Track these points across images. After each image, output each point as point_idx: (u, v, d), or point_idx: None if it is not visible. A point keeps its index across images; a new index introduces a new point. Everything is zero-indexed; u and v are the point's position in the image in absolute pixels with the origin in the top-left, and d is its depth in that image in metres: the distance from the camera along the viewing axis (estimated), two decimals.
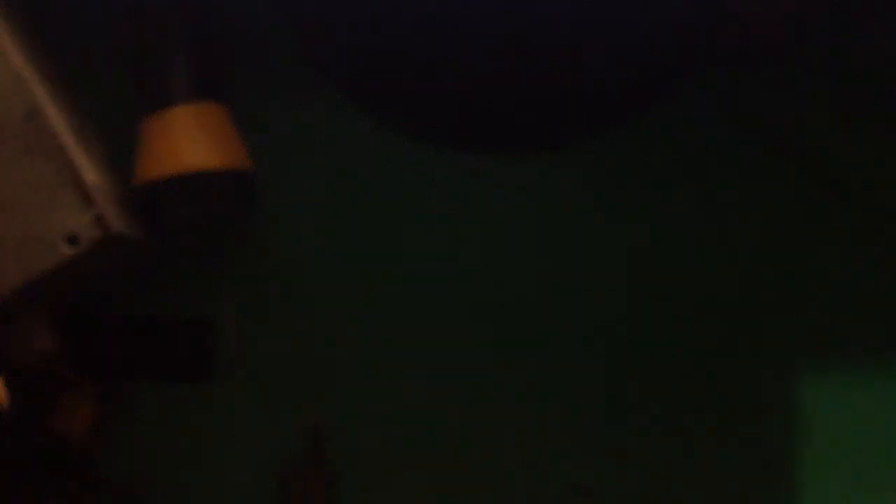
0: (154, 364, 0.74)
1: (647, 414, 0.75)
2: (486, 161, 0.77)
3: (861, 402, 0.75)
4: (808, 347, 0.75)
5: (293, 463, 0.73)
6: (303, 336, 0.75)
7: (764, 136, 0.77)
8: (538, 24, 0.75)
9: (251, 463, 0.73)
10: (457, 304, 0.75)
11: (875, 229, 0.76)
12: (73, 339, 0.72)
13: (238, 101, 0.74)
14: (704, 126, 0.77)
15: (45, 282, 0.66)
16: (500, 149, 0.77)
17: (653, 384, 0.75)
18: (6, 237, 0.66)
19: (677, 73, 0.78)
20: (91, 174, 0.67)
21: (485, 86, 0.77)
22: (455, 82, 0.77)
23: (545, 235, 0.76)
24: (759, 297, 0.76)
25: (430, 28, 0.76)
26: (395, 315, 0.75)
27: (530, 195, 0.76)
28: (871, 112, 0.77)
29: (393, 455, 0.74)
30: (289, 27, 0.78)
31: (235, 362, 0.74)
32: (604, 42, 0.76)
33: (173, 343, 0.74)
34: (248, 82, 0.76)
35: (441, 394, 0.75)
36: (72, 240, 0.66)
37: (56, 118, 0.68)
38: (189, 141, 0.70)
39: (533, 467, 0.74)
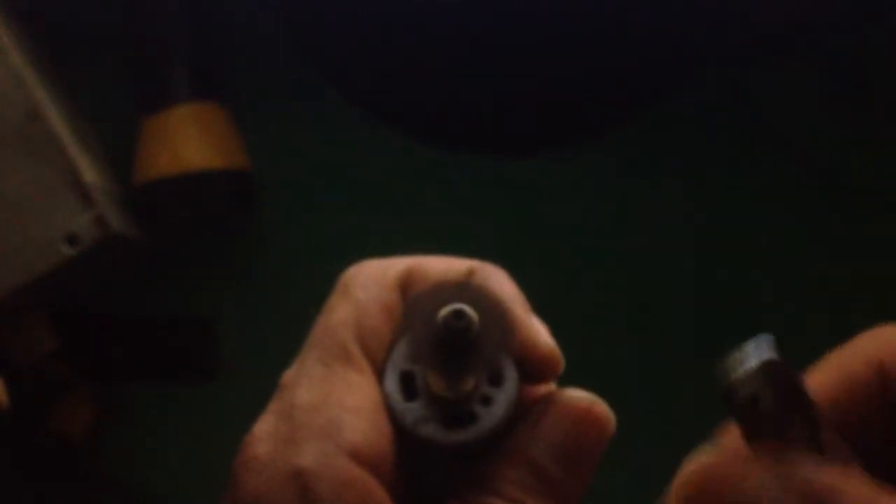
0: (154, 364, 0.74)
1: (647, 413, 0.75)
2: (486, 161, 0.77)
3: None
4: (808, 346, 0.75)
5: None
6: (303, 336, 0.75)
7: (764, 135, 0.77)
8: (539, 24, 0.75)
9: None
10: None
11: (874, 227, 0.76)
12: (73, 339, 0.72)
13: (238, 102, 0.74)
14: (704, 126, 0.77)
15: (45, 282, 0.66)
16: (501, 149, 0.77)
17: (653, 382, 0.75)
18: (6, 237, 0.66)
19: (678, 73, 0.78)
20: (91, 174, 0.67)
21: (485, 86, 0.77)
22: (456, 82, 0.78)
23: (545, 235, 0.76)
24: (759, 295, 0.76)
25: (431, 29, 0.76)
26: None
27: (530, 195, 0.76)
28: (871, 111, 0.77)
29: None
30: (289, 28, 0.78)
31: (235, 362, 0.74)
32: (604, 42, 0.76)
33: (173, 343, 0.74)
34: (249, 82, 0.76)
35: None
36: (72, 240, 0.66)
37: (56, 118, 0.68)
38: (189, 141, 0.70)
39: None
